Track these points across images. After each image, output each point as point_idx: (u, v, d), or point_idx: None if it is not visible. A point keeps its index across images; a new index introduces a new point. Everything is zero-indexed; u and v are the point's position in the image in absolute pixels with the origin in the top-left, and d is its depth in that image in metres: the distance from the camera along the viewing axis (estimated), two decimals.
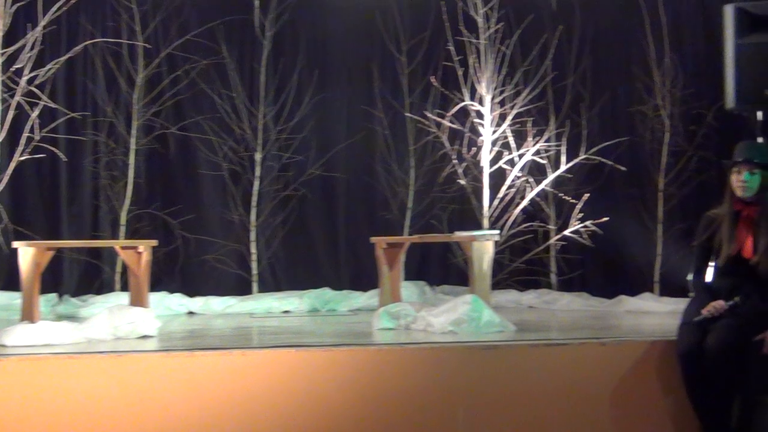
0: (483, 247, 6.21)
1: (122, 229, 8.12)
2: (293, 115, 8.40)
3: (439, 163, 8.38)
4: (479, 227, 7.69)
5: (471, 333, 5.52)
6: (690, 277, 5.18)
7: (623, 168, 7.71)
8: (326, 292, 8.02)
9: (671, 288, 7.34)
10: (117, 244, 6.61)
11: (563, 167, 7.89)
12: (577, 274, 8.13)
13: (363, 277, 8.14)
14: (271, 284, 8.35)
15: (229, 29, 8.37)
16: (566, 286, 8.13)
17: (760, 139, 6.10)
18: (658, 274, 7.63)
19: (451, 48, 7.87)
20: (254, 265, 8.31)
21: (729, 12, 6.22)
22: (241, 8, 8.35)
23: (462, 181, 8.07)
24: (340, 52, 8.68)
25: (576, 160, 7.84)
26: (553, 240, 8.07)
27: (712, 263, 5.07)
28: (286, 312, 7.76)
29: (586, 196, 7.77)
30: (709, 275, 5.10)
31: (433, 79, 8.25)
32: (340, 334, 6.05)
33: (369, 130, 8.59)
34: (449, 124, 8.00)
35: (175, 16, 8.30)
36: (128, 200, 8.14)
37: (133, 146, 8.19)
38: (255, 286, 8.28)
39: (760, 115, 6.22)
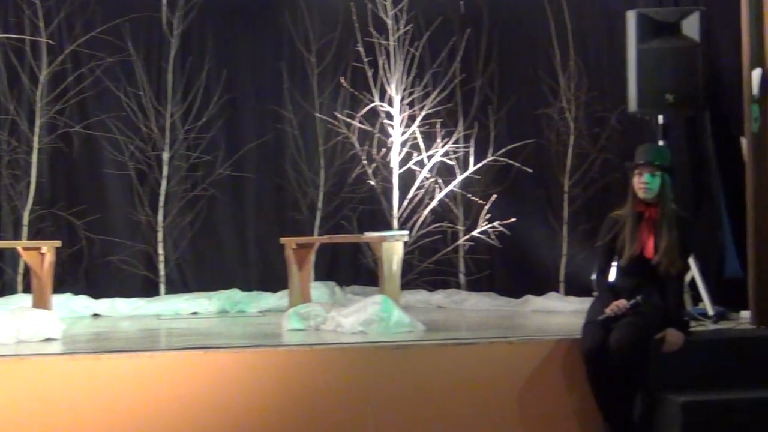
0: (392, 247, 6.24)
1: (24, 230, 7.91)
2: (201, 115, 8.31)
3: (349, 163, 8.39)
4: (389, 228, 7.73)
5: (381, 333, 5.54)
6: (594, 276, 5.30)
7: (530, 170, 7.84)
8: (235, 293, 7.96)
9: (576, 287, 7.48)
10: (19, 245, 6.46)
11: (471, 168, 7.98)
12: (485, 274, 8.23)
13: (272, 278, 8.10)
14: (179, 285, 8.24)
15: (136, 26, 8.24)
16: (474, 286, 8.22)
17: (661, 142, 6.27)
18: (563, 274, 7.77)
19: (361, 49, 7.89)
20: (161, 267, 8.19)
21: (631, 18, 6.37)
22: (148, 5, 8.22)
23: (372, 182, 8.10)
24: (249, 52, 8.62)
25: (484, 162, 7.94)
26: (461, 240, 8.16)
27: (615, 263, 5.20)
28: (194, 313, 7.68)
29: (494, 197, 7.88)
30: (612, 275, 5.23)
31: (342, 80, 8.26)
32: (249, 335, 6.02)
33: (278, 131, 8.55)
34: (359, 125, 8.02)
35: (80, 13, 8.13)
36: (31, 200, 7.94)
37: (36, 145, 8.00)
38: (162, 288, 8.17)
39: (661, 118, 6.39)
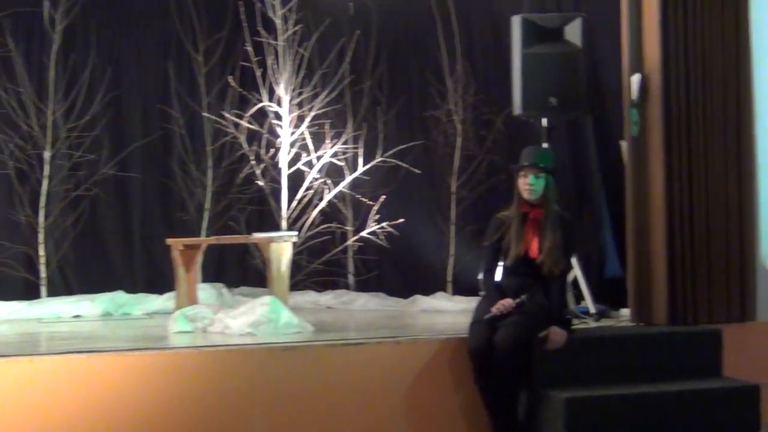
0: (281, 248, 6.22)
1: None
2: (85, 113, 8.11)
3: (237, 164, 8.33)
4: (277, 229, 7.69)
5: (269, 334, 5.52)
6: (480, 276, 5.38)
7: (418, 171, 7.91)
8: (120, 296, 7.78)
9: (463, 287, 7.57)
10: None
11: (360, 169, 8.01)
12: (374, 274, 8.27)
13: (159, 280, 7.96)
14: (62, 288, 8.03)
15: (16, 21, 7.99)
16: (363, 286, 8.25)
17: (545, 145, 6.40)
18: (451, 273, 7.87)
19: (249, 48, 7.83)
20: (43, 269, 7.96)
21: (516, 22, 6.49)
22: (29, 0, 7.99)
23: (260, 183, 8.04)
24: (135, 49, 8.46)
25: (372, 163, 7.98)
26: (350, 241, 8.18)
27: (501, 263, 5.29)
28: (76, 317, 7.48)
29: (383, 198, 7.92)
30: (498, 275, 5.31)
31: (230, 80, 8.18)
32: (134, 338, 5.91)
33: (165, 130, 8.42)
34: (247, 125, 7.96)
35: None
36: None
37: None
38: (44, 290, 7.94)
39: (545, 121, 6.53)
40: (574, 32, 6.45)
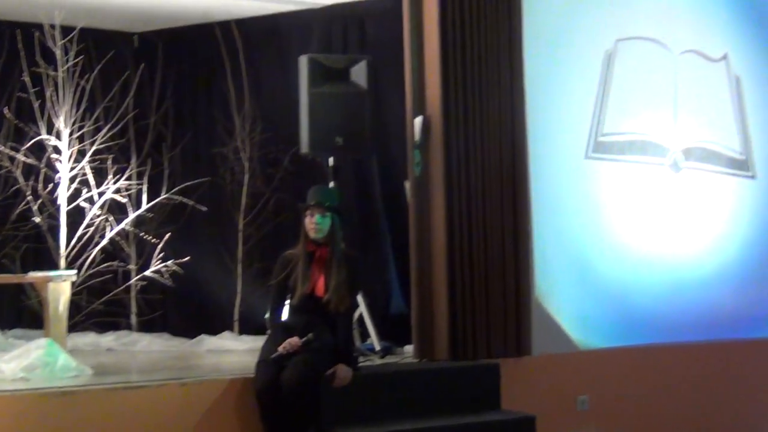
0: (59, 288, 6.00)
1: None
2: None
3: (12, 199, 7.92)
4: (55, 267, 7.36)
5: (45, 379, 5.26)
6: (267, 315, 5.37)
7: (204, 208, 7.81)
8: None
9: (250, 326, 7.52)
10: None
11: (144, 206, 7.82)
12: (158, 314, 8.07)
13: None
14: None
15: None
16: (147, 327, 8.02)
17: (332, 184, 6.48)
18: (237, 312, 7.79)
19: (27, 79, 7.51)
20: None
21: (303, 62, 6.57)
22: None
23: (37, 219, 7.69)
24: None
25: (157, 200, 7.80)
26: (133, 280, 7.95)
27: (288, 302, 5.29)
28: None
29: (168, 235, 7.76)
30: (285, 313, 5.32)
31: (6, 111, 7.81)
32: None
33: None
34: (24, 159, 7.61)
35: None
36: None
37: None
38: None
39: (331, 160, 6.62)
40: (359, 74, 6.59)
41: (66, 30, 7.46)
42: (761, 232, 7.36)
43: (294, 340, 5.06)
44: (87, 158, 7.60)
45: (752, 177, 7.41)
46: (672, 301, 6.82)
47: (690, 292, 6.91)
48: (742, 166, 7.36)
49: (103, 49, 8.06)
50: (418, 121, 6.01)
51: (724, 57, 7.29)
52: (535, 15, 6.31)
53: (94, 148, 7.64)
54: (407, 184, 6.27)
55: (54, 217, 7.63)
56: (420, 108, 6.04)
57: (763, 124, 7.49)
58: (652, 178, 6.88)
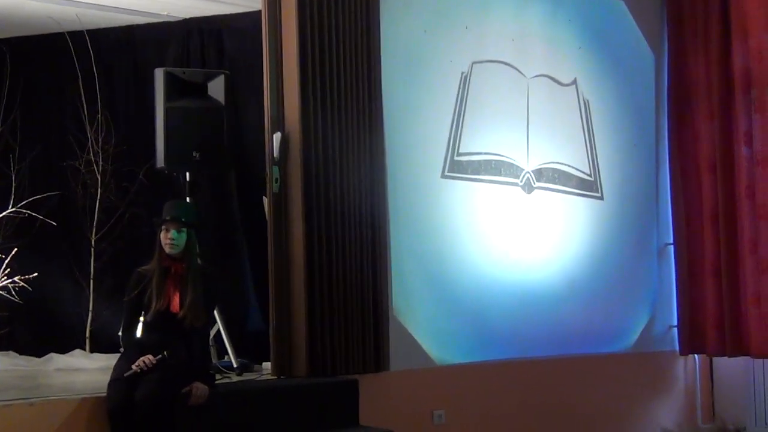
0: None
1: None
2: None
3: None
4: None
5: None
6: (120, 332, 5.24)
7: (54, 223, 7.56)
8: None
9: (102, 344, 7.31)
10: None
11: None
12: (5, 331, 7.75)
13: None
14: None
15: None
16: None
17: (188, 199, 6.39)
18: (89, 330, 7.57)
19: None
20: None
21: (159, 76, 6.46)
22: None
23: None
24: None
25: (4, 213, 7.51)
26: None
27: (142, 318, 5.18)
28: None
29: (15, 250, 7.47)
30: (139, 330, 5.20)
31: None
32: None
33: None
34: None
35: None
36: None
37: None
38: None
39: (188, 175, 6.53)
40: (217, 88, 6.54)
41: None
42: (608, 251, 7.67)
43: (148, 358, 4.96)
44: None
45: (600, 197, 7.70)
46: (525, 317, 7.01)
47: (541, 308, 7.11)
48: (591, 186, 7.64)
49: None
50: (276, 137, 6.00)
51: (574, 82, 7.57)
52: (393, 35, 6.40)
53: None
54: (266, 200, 6.25)
55: None
56: (278, 124, 6.03)
57: (610, 147, 7.81)
58: (505, 197, 7.06)
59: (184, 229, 5.20)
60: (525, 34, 7.27)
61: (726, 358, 7.88)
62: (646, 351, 7.84)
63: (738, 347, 7.71)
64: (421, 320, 6.46)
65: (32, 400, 5.01)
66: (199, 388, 5.05)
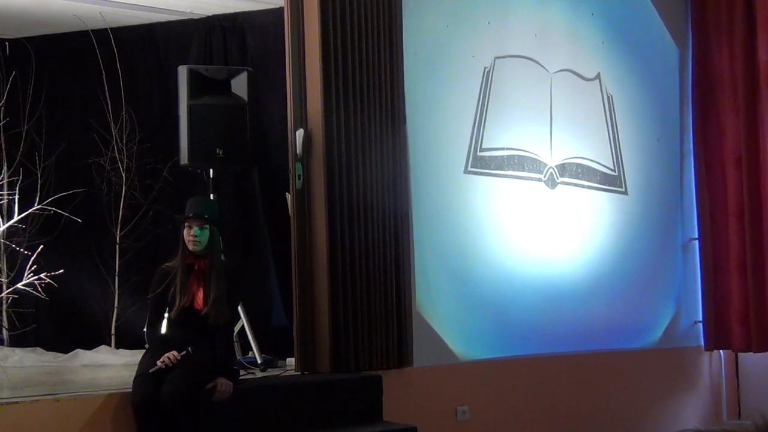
0: None
1: None
2: None
3: None
4: None
5: None
6: (145, 329, 5.27)
7: (79, 220, 7.60)
8: None
9: (127, 340, 7.36)
10: None
11: (16, 217, 7.56)
12: (31, 328, 7.81)
13: None
14: None
15: None
16: (19, 341, 7.76)
17: (211, 196, 6.42)
18: (114, 326, 7.62)
19: None
20: None
21: (183, 73, 6.49)
22: None
23: None
24: None
25: (30, 210, 7.56)
26: (4, 293, 7.66)
27: (166, 315, 5.21)
28: None
29: (41, 247, 7.52)
30: (163, 327, 5.23)
31: None
32: None
33: None
34: None
35: None
36: None
37: None
38: None
39: (212, 172, 6.55)
40: (240, 85, 6.55)
41: None
42: (632, 246, 7.63)
43: (173, 354, 4.98)
44: None
45: (624, 192, 7.67)
46: (548, 313, 6.99)
47: (565, 304, 7.09)
48: (614, 181, 7.61)
49: None
50: (299, 134, 6.01)
51: (597, 76, 7.54)
52: (415, 31, 6.40)
53: None
54: (289, 197, 6.26)
55: None
56: (301, 121, 6.04)
57: (634, 142, 7.77)
58: (529, 192, 7.04)
59: (207, 226, 5.22)
60: (547, 29, 7.24)
61: (752, 353, 7.82)
62: (670, 347, 7.80)
63: (764, 342, 7.66)
64: (444, 316, 6.45)
65: (58, 395, 5.06)
66: (223, 384, 5.07)
